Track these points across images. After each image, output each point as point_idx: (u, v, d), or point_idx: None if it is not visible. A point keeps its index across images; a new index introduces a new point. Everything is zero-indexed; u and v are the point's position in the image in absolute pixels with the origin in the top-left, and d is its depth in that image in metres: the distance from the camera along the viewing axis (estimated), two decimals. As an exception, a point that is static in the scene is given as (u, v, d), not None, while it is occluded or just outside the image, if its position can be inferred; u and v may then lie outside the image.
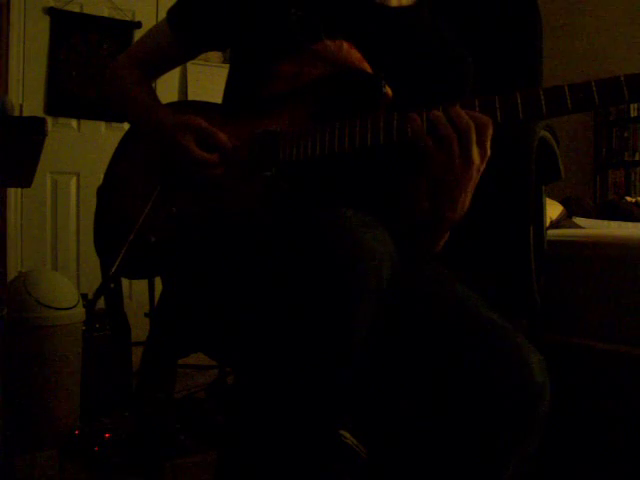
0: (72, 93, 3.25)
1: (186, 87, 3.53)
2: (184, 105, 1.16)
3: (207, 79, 3.47)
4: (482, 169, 0.84)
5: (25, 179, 1.45)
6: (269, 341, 0.73)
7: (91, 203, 1.16)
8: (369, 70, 0.95)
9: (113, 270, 0.97)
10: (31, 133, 1.08)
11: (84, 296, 2.17)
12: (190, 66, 3.48)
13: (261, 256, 0.79)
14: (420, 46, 1.03)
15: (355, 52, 0.96)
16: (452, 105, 0.83)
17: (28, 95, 3.16)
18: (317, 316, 0.70)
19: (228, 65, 1.17)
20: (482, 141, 0.82)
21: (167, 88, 3.19)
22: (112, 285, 1.11)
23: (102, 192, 1.15)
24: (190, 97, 3.48)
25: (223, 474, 0.78)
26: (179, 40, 1.12)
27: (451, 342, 0.80)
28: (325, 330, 0.70)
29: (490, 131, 0.81)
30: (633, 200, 2.74)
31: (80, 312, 2.05)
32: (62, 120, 3.26)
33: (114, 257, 0.98)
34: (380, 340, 0.82)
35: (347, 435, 1.06)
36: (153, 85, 1.22)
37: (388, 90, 0.92)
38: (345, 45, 0.96)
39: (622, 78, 0.75)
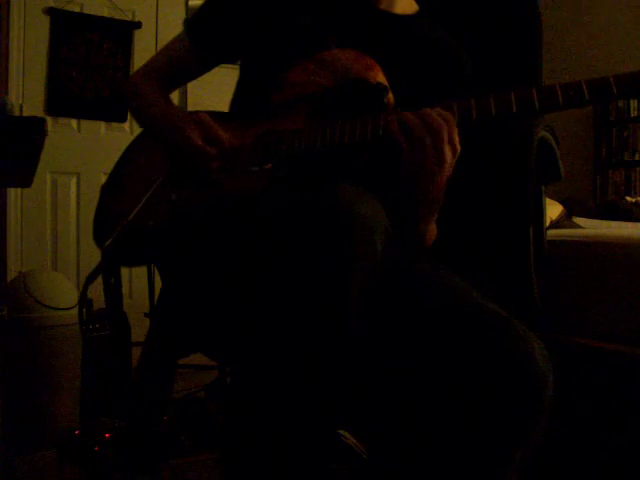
0: (72, 93, 3.24)
1: (186, 87, 3.52)
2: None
3: (207, 79, 3.45)
4: (453, 164, 0.87)
5: (25, 179, 1.45)
6: (268, 324, 0.73)
7: (91, 203, 1.16)
8: (375, 78, 0.97)
9: (107, 244, 0.96)
10: (31, 133, 1.09)
11: (84, 296, 2.16)
12: (190, 66, 3.47)
13: (257, 237, 0.79)
14: (426, 52, 1.06)
15: (362, 60, 0.98)
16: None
17: (28, 95, 3.15)
18: (313, 285, 0.70)
19: (227, 66, 1.18)
20: (451, 138, 0.85)
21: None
22: (112, 280, 1.09)
23: (105, 188, 1.16)
24: (190, 97, 3.47)
25: (228, 475, 0.78)
26: (197, 54, 1.15)
27: (452, 333, 0.80)
28: (321, 297, 0.70)
29: (455, 127, 0.85)
30: (633, 200, 2.74)
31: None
32: (62, 120, 3.25)
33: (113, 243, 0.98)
34: (379, 334, 0.82)
35: (347, 435, 1.07)
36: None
37: (390, 98, 0.95)
38: (352, 53, 0.99)
39: (611, 79, 0.80)
